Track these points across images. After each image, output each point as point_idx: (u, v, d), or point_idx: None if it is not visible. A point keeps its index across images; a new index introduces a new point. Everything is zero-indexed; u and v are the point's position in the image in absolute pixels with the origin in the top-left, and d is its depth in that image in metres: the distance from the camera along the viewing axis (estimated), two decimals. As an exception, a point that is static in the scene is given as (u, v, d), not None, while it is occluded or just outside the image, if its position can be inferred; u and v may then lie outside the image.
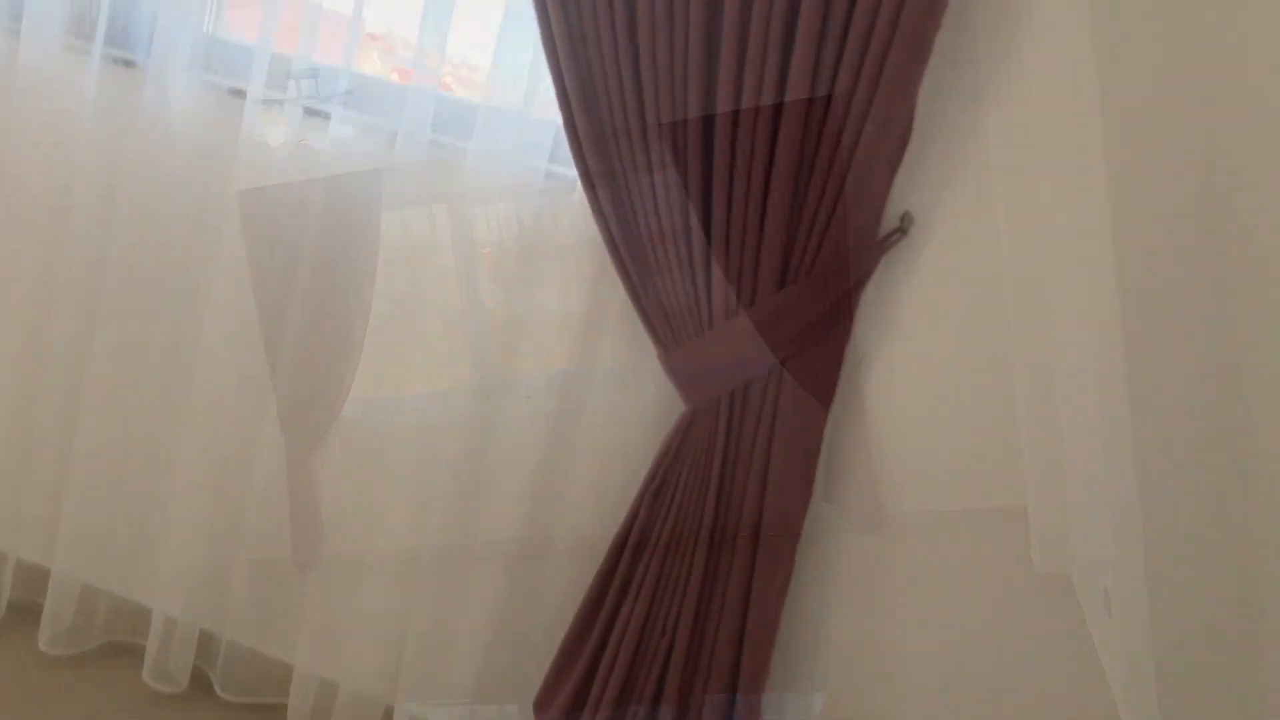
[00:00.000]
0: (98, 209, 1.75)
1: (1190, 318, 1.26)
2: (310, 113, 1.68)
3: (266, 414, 1.74)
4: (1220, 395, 1.21)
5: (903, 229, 1.48)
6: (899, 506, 1.55)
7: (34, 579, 1.93)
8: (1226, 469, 1.14)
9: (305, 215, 1.68)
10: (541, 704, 1.63)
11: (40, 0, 1.74)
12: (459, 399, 1.64)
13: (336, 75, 1.70)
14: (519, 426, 1.63)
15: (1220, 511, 1.14)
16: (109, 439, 1.82)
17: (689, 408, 1.52)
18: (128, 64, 1.75)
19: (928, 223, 1.49)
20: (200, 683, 1.86)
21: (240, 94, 1.70)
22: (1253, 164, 1.16)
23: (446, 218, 1.63)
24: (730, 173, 1.43)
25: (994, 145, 1.45)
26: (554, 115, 1.51)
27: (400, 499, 1.70)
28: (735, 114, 1.41)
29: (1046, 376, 1.49)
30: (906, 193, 1.49)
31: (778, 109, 1.39)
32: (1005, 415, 1.50)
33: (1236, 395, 1.17)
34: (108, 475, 1.83)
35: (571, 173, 1.57)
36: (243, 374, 1.74)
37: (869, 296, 1.51)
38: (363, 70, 1.77)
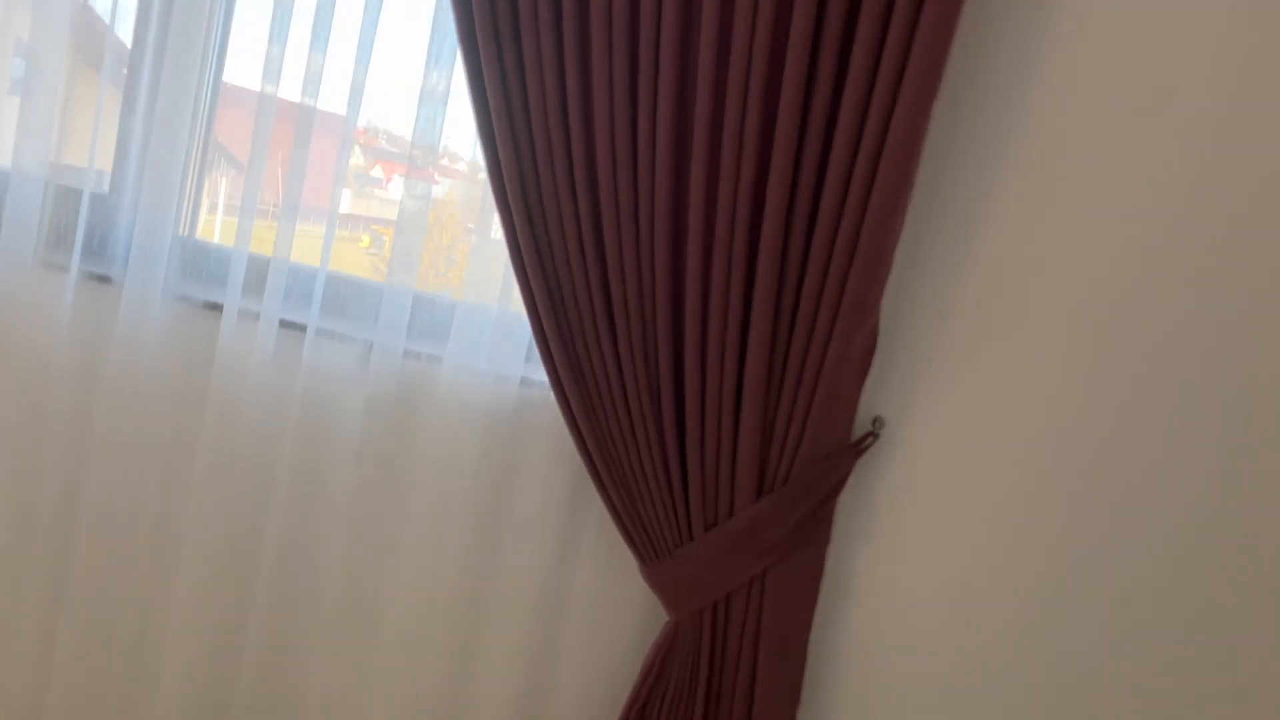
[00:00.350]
0: (73, 428, 1.75)
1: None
2: (286, 325, 1.69)
3: (250, 621, 1.72)
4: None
5: (875, 432, 1.50)
6: (889, 711, 1.53)
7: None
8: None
9: (282, 430, 1.68)
10: None
11: (17, 216, 1.77)
12: (438, 615, 1.63)
13: (314, 274, 1.73)
14: (500, 640, 1.61)
15: None
16: (88, 661, 1.79)
17: (672, 618, 1.51)
18: (104, 280, 1.76)
19: (899, 424, 1.51)
20: None
21: (216, 307, 1.72)
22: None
23: (423, 428, 1.64)
24: (702, 387, 1.45)
25: (961, 345, 1.48)
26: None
27: (383, 714, 1.67)
28: (704, 330, 1.43)
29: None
30: (877, 396, 1.51)
31: (745, 323, 1.42)
32: (990, 611, 1.50)
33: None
34: (88, 678, 1.79)
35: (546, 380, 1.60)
36: (223, 587, 1.72)
37: (846, 500, 1.52)
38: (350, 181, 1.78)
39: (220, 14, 1.78)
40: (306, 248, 1.74)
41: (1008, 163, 1.43)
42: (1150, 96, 1.38)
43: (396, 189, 1.98)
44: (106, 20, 1.76)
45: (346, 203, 1.88)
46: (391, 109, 1.80)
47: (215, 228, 1.94)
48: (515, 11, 1.42)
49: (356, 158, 1.91)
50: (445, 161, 1.78)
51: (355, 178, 1.95)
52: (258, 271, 1.73)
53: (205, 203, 1.91)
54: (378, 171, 1.99)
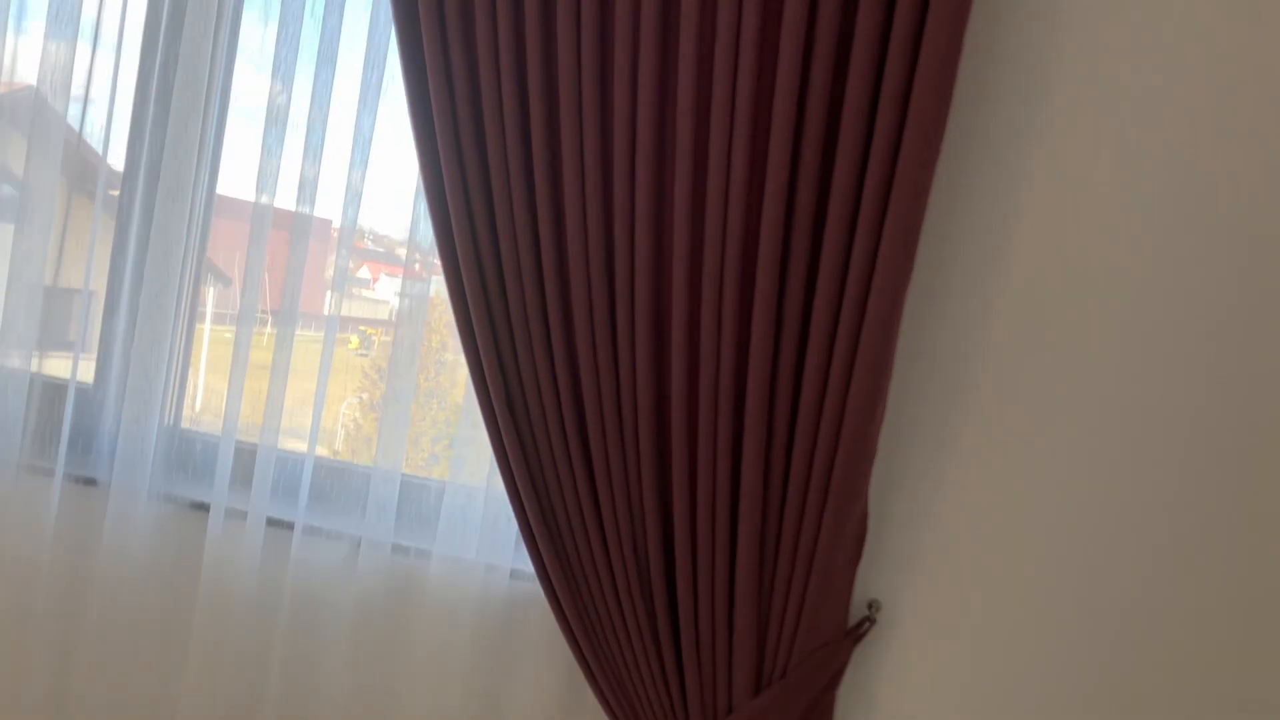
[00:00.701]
0: (61, 636, 1.72)
1: None
2: (273, 523, 1.68)
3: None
4: None
5: (871, 617, 1.48)
6: None
7: None
8: None
9: (272, 632, 1.66)
10: None
11: (1, 420, 1.77)
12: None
13: (300, 462, 1.72)
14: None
15: None
16: None
17: (676, 820, 1.47)
18: (89, 482, 1.76)
19: (895, 607, 1.49)
20: None
21: (203, 507, 1.71)
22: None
23: (413, 627, 1.62)
24: (694, 583, 1.43)
25: (952, 521, 1.48)
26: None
27: None
28: (693, 524, 1.43)
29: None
30: (871, 579, 1.50)
31: (734, 515, 1.41)
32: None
33: None
34: None
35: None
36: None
37: (847, 687, 1.50)
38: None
39: (212, 129, 1.77)
40: (303, 352, 1.71)
41: (979, 360, 1.45)
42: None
43: (383, 288, 1.99)
44: (99, 149, 1.78)
45: (332, 303, 1.85)
46: (381, 208, 1.79)
47: (204, 340, 1.90)
48: (490, 211, 1.45)
49: (344, 259, 1.90)
50: (433, 259, 1.76)
51: (343, 279, 1.93)
52: (245, 461, 1.72)
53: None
54: (364, 272, 1.98)
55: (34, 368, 1.78)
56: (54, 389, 1.82)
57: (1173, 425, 1.40)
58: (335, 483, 1.77)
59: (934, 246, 1.44)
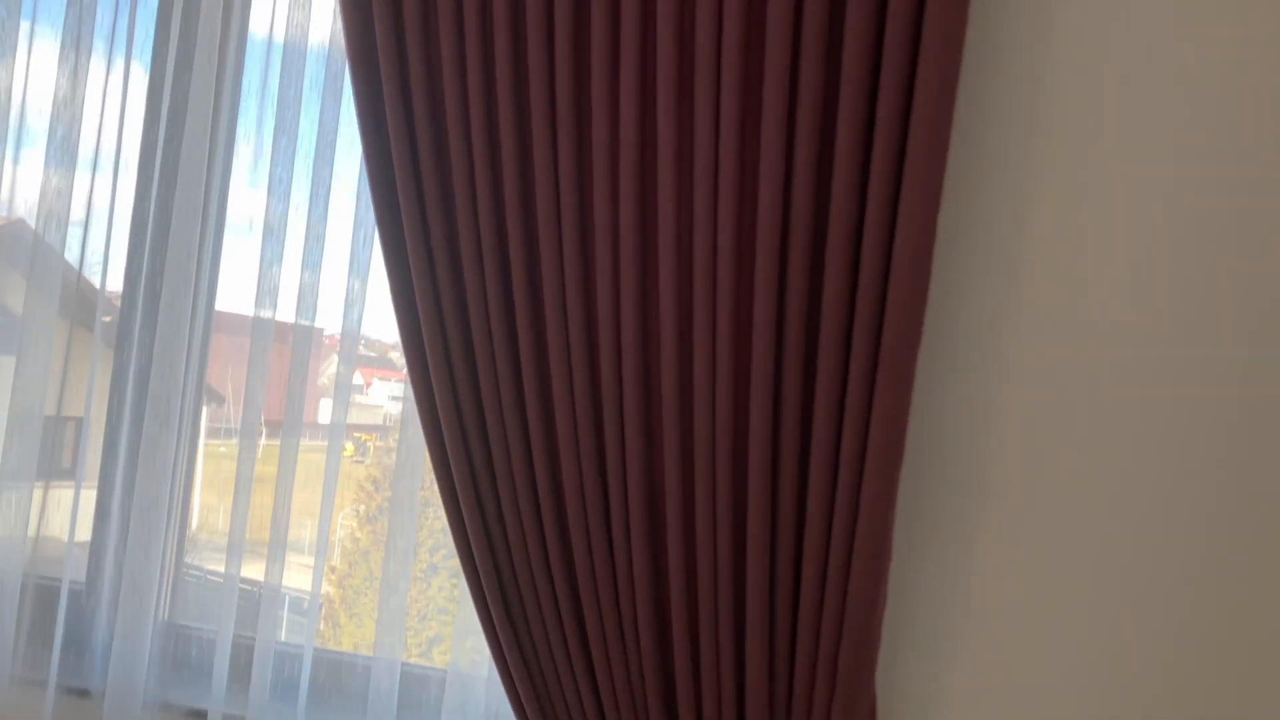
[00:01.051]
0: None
1: None
2: (274, 722, 1.65)
3: None
4: None
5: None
6: None
7: None
8: None
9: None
10: None
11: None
12: None
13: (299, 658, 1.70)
14: None
15: None
16: None
17: None
18: (82, 694, 1.73)
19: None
20: None
21: (200, 714, 1.68)
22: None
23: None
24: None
25: (964, 704, 1.46)
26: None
27: None
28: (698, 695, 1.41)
29: None
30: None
31: (740, 684, 1.40)
32: None
33: None
34: None
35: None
36: None
37: None
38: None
39: (210, 247, 1.76)
40: (307, 461, 1.70)
41: (979, 533, 1.45)
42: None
43: (377, 393, 1.98)
44: (97, 272, 1.77)
45: (327, 412, 1.80)
46: (373, 312, 1.76)
47: (199, 456, 1.87)
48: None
49: (335, 365, 1.88)
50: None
51: (346, 389, 1.91)
52: (242, 655, 1.69)
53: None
54: (358, 377, 1.95)
55: (35, 499, 1.77)
56: (47, 589, 1.79)
57: (1202, 597, 1.39)
58: (332, 677, 1.74)
59: (921, 434, 1.45)
